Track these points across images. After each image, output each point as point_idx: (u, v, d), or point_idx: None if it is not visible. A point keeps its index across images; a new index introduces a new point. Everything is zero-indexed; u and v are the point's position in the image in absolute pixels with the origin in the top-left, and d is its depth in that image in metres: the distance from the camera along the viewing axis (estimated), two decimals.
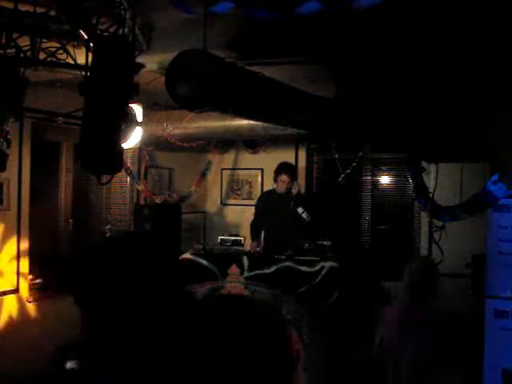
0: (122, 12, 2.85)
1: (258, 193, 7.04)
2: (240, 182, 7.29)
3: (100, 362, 1.33)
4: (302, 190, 6.38)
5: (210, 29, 2.94)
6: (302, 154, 7.18)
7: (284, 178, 5.78)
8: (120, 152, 2.78)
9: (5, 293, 4.97)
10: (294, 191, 5.77)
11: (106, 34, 2.86)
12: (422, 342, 3.23)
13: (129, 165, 6.20)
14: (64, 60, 3.11)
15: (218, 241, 5.47)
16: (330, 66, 4.08)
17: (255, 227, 5.99)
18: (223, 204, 7.39)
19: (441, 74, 3.96)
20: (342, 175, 6.17)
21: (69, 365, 1.36)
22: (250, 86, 3.39)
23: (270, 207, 6.01)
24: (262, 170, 7.24)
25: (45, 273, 5.53)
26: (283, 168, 5.86)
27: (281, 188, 5.80)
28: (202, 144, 6.21)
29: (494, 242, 3.99)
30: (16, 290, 5.07)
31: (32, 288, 5.28)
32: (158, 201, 6.32)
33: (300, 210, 5.71)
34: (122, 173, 5.95)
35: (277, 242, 5.46)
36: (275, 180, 5.91)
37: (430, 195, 4.82)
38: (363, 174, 6.97)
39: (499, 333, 3.94)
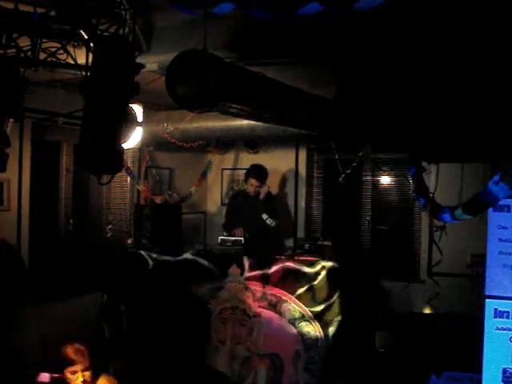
0: (123, 12, 2.85)
1: None
2: (240, 182, 7.29)
3: None
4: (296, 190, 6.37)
5: (210, 29, 2.94)
6: (302, 154, 7.17)
7: (252, 181, 5.89)
8: (120, 152, 2.78)
9: None
10: (262, 196, 5.86)
11: (106, 34, 2.86)
12: None
13: (129, 165, 6.20)
14: (64, 60, 3.10)
15: (218, 241, 5.47)
16: (331, 66, 4.08)
17: (227, 225, 6.07)
18: (223, 204, 7.38)
19: (441, 74, 3.95)
20: (342, 175, 6.17)
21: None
22: (250, 86, 3.39)
23: (242, 207, 6.07)
24: None
25: (45, 273, 5.52)
26: (252, 172, 5.95)
27: (250, 190, 5.96)
28: (202, 144, 6.21)
29: (494, 242, 3.98)
30: None
31: (32, 288, 5.27)
32: (158, 201, 6.32)
33: (265, 216, 5.89)
34: (123, 173, 5.96)
35: (254, 243, 5.52)
36: (245, 181, 6.01)
37: (430, 195, 4.82)
38: (363, 174, 6.97)
39: (499, 333, 3.93)
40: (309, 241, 6.09)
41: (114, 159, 2.73)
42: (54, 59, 3.07)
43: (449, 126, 4.56)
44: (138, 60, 3.02)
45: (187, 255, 4.99)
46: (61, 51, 3.04)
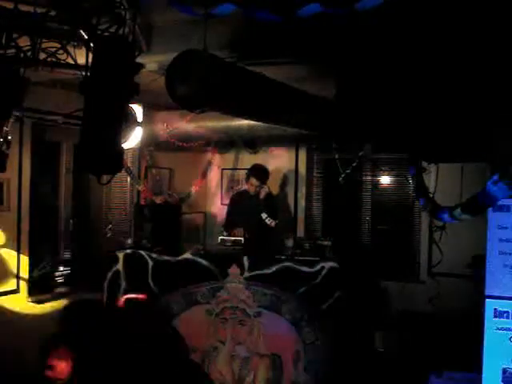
0: (122, 12, 2.85)
1: None
2: (240, 182, 7.29)
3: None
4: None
5: (210, 29, 2.94)
6: (302, 154, 7.17)
7: (253, 181, 5.90)
8: (120, 152, 2.78)
9: (5, 293, 4.97)
10: (262, 195, 5.86)
11: (106, 34, 2.86)
12: None
13: (129, 165, 6.20)
14: (64, 60, 3.10)
15: (218, 241, 5.47)
16: (331, 65, 4.08)
17: (227, 225, 6.05)
18: (223, 204, 7.38)
19: (442, 74, 3.95)
20: (342, 175, 6.17)
21: None
22: (250, 86, 3.39)
23: (242, 207, 6.07)
24: None
25: (45, 273, 5.53)
26: (253, 171, 5.96)
27: (251, 190, 5.96)
28: (202, 144, 6.21)
29: (494, 242, 3.99)
30: (16, 291, 5.07)
31: (32, 288, 5.27)
32: (158, 201, 6.32)
33: (264, 215, 5.90)
34: (123, 173, 5.96)
35: (254, 243, 5.52)
36: (246, 181, 6.01)
37: (430, 195, 4.82)
38: (363, 174, 6.97)
39: (499, 333, 3.94)
40: (309, 240, 6.10)
41: (114, 159, 2.73)
42: (54, 59, 3.07)
43: (448, 126, 4.56)
44: (138, 60, 3.02)
45: (187, 255, 4.99)
46: (61, 51, 3.04)
